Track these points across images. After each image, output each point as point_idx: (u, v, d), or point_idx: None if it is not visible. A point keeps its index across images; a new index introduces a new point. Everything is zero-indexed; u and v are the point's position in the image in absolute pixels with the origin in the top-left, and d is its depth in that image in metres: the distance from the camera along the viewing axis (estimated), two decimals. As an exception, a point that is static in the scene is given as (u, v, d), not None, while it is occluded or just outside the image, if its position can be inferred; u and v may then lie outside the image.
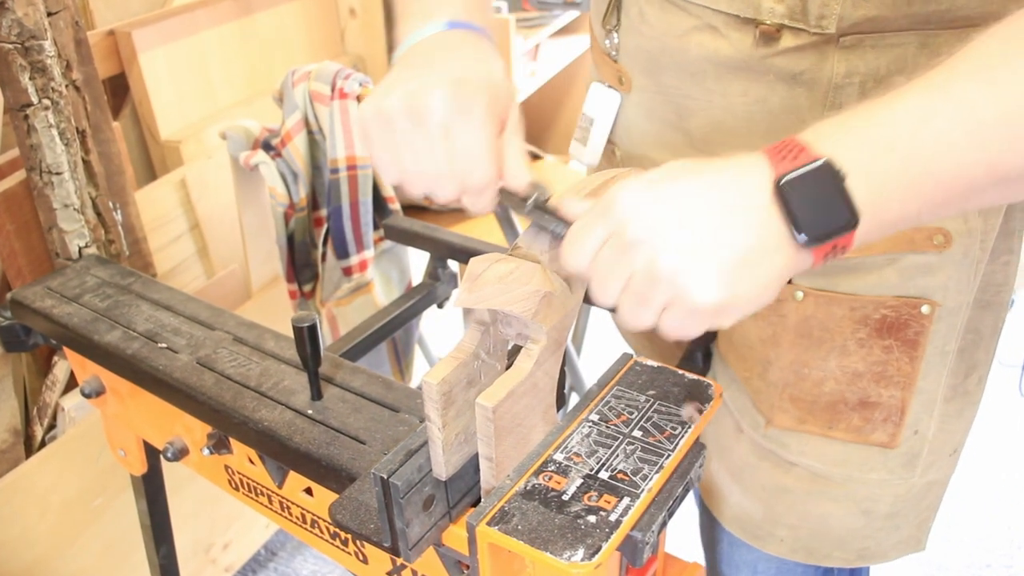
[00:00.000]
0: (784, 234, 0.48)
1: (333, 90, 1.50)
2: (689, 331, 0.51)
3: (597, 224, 0.52)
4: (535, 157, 2.04)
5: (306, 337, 0.80)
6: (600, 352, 2.23)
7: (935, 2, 0.60)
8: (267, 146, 1.57)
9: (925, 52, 0.64)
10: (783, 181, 0.47)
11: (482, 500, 0.62)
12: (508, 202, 0.62)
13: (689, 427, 0.64)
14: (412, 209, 1.73)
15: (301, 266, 1.63)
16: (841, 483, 0.84)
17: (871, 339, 0.75)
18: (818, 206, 0.47)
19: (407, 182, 0.62)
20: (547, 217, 0.59)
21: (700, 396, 0.67)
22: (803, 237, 0.48)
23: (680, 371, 0.71)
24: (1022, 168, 0.47)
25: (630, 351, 0.78)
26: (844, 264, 0.74)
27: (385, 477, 0.59)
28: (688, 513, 1.56)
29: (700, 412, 0.66)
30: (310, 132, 1.54)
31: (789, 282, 0.73)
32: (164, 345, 0.96)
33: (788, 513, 0.88)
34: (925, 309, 0.73)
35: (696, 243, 0.48)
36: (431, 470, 0.62)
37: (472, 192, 0.61)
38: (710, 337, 0.91)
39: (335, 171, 1.51)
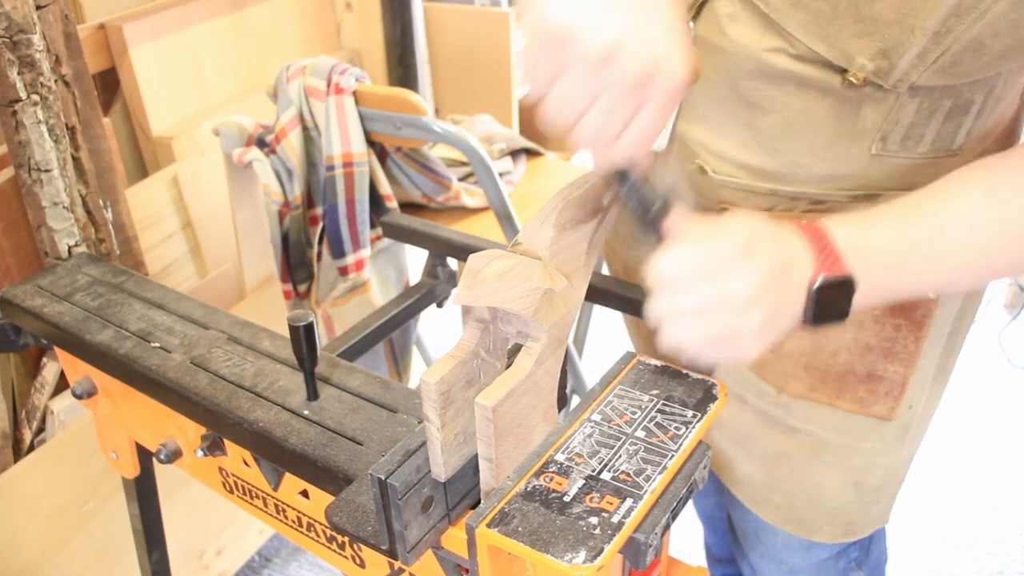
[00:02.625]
0: (799, 316, 0.63)
1: (328, 85, 1.50)
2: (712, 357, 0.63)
3: (695, 271, 0.60)
4: (536, 154, 2.04)
5: (302, 336, 0.80)
6: (602, 352, 2.23)
7: (990, 68, 0.69)
8: (261, 143, 1.57)
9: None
10: (817, 287, 0.61)
11: (482, 501, 0.62)
12: (630, 196, 0.63)
13: (693, 428, 0.65)
14: (410, 207, 1.74)
15: (296, 265, 1.63)
16: (839, 450, 0.92)
17: (885, 316, 0.83)
18: (828, 308, 0.62)
19: (565, 120, 0.61)
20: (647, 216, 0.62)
21: (705, 395, 0.68)
22: (810, 324, 0.63)
23: (684, 370, 0.71)
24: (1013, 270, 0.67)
25: (633, 351, 0.78)
26: None
27: (383, 478, 0.59)
28: (692, 516, 1.56)
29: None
30: (305, 128, 1.54)
31: None
32: (157, 344, 0.96)
33: (785, 479, 0.95)
34: (932, 293, 0.80)
35: (763, 321, 0.60)
36: (429, 471, 0.62)
37: (612, 158, 0.62)
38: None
39: (331, 168, 1.51)
